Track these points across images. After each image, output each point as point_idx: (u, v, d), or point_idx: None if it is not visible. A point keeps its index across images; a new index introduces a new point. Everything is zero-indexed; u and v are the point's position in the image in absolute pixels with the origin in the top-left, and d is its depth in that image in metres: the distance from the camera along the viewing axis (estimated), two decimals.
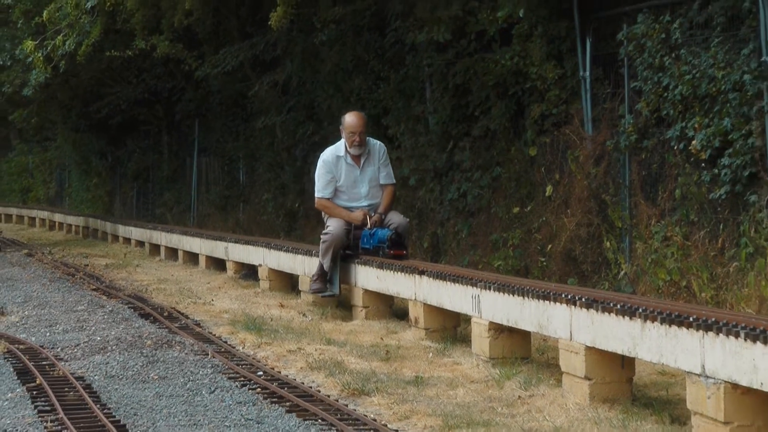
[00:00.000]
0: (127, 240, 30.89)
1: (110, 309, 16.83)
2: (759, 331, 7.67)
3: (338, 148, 15.46)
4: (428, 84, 19.97)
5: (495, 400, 10.18)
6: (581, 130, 16.09)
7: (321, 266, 15.31)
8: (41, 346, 13.38)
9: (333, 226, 15.16)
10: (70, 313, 16.54)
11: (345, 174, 15.34)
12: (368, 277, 15.29)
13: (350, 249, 15.32)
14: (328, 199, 15.36)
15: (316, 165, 15.71)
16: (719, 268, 13.10)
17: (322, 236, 15.30)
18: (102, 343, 13.45)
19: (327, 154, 15.48)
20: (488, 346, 11.79)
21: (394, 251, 14.32)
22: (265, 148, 27.70)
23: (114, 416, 9.58)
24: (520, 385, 10.68)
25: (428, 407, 9.88)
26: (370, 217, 15.07)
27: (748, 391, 7.90)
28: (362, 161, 15.36)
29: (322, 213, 15.74)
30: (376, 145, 15.61)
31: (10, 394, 10.73)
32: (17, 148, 53.60)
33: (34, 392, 10.74)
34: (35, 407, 10.10)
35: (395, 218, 15.06)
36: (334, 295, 15.47)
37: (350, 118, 15.36)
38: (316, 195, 15.48)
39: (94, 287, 20.13)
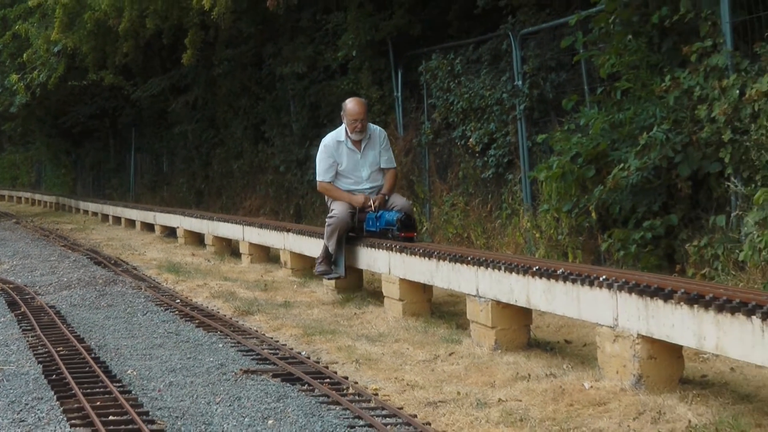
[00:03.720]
0: (86, 211, 30.35)
1: (74, 259, 16.59)
2: (513, 265, 7.77)
3: (339, 133, 11.18)
4: (292, 102, 19.90)
5: (339, 316, 10.20)
6: (396, 132, 16.15)
7: (326, 248, 11.13)
8: (25, 285, 13.18)
9: (338, 209, 10.99)
10: (46, 262, 16.29)
11: (346, 158, 11.06)
12: (252, 234, 15.25)
13: (354, 231, 11.17)
14: (329, 182, 11.11)
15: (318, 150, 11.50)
16: (489, 224, 13.24)
17: (327, 219, 11.15)
18: (68, 282, 13.27)
19: (328, 139, 11.26)
20: (334, 280, 11.82)
21: (405, 233, 10.31)
22: (180, 147, 27.47)
23: (76, 332, 9.47)
24: (355, 305, 10.73)
25: (293, 322, 9.89)
26: (373, 201, 10.93)
27: (507, 306, 7.99)
28: (363, 145, 11.05)
29: (326, 197, 11.52)
30: (377, 130, 11.27)
31: (2, 319, 10.55)
32: (8, 149, 52.65)
33: (20, 317, 10.58)
34: (20, 327, 9.95)
35: (398, 201, 10.99)
36: (340, 276, 11.18)
37: (352, 105, 11.03)
38: (318, 179, 11.31)
39: (62, 244, 19.82)
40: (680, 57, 9.72)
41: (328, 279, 11.36)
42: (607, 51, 10.42)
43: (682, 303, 5.97)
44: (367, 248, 10.78)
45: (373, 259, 10.62)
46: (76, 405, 6.56)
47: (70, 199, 34.18)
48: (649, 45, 10.14)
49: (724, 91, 8.96)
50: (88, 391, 6.91)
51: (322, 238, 11.99)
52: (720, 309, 5.66)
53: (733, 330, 5.57)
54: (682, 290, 6.02)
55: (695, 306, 5.86)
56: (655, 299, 6.20)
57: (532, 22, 13.00)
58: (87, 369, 7.70)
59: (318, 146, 11.91)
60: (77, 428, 6.05)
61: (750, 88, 8.63)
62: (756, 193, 8.15)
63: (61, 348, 8.59)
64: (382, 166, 11.10)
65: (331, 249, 11.00)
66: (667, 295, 6.10)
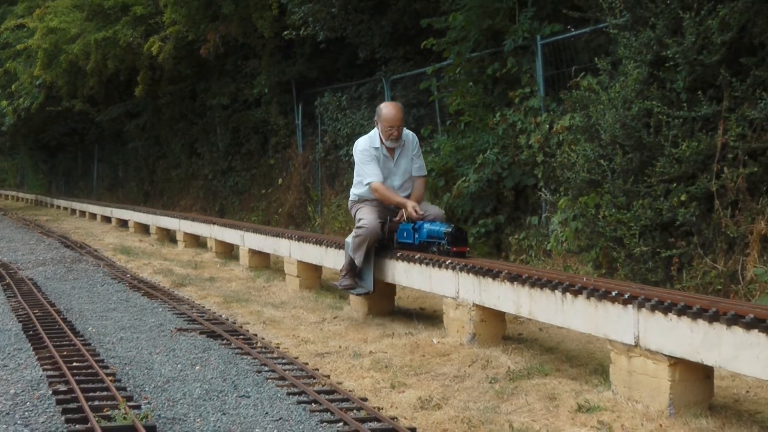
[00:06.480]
0: (59, 207, 29.60)
1: (48, 243, 16.14)
2: (382, 252, 7.78)
3: (372, 139, 7.61)
4: (218, 126, 19.65)
5: (251, 289, 10.11)
6: (296, 150, 16.10)
7: (351, 261, 7.64)
8: (9, 262, 12.76)
9: (367, 219, 7.49)
10: (26, 245, 15.81)
11: (380, 166, 7.59)
12: (186, 226, 15.03)
13: (382, 242, 7.64)
14: (381, 182, 7.52)
15: (354, 156, 7.80)
16: None
17: (355, 230, 7.58)
18: (43, 260, 12.90)
19: (363, 144, 7.64)
20: (248, 261, 11.70)
21: (457, 248, 6.86)
22: (132, 159, 26.98)
23: (49, 298, 9.21)
24: (264, 281, 10.65)
25: (216, 292, 9.77)
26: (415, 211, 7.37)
27: (377, 282, 7.99)
28: (397, 154, 7.60)
29: (349, 205, 7.93)
30: (410, 135, 7.69)
31: None
32: None
33: (5, 287, 10.23)
34: (5, 294, 9.61)
35: (431, 209, 7.56)
36: (369, 292, 7.67)
37: (387, 110, 7.54)
38: (369, 180, 7.52)
39: (40, 231, 19.25)
40: (507, 99, 9.90)
41: (356, 294, 7.88)
42: (454, 94, 10.55)
43: (505, 280, 6.07)
44: (273, 237, 10.71)
45: (278, 245, 10.55)
46: (47, 354, 6.39)
47: (46, 197, 33.42)
48: (484, 90, 10.30)
49: (538, 126, 9.15)
50: (58, 343, 6.74)
51: (239, 228, 11.81)
52: (533, 285, 5.77)
53: (542, 300, 5.69)
54: (506, 271, 6.12)
55: (515, 282, 5.96)
56: (486, 278, 6.29)
57: (400, 70, 13.12)
58: (57, 327, 7.50)
59: (238, 160, 11.03)
60: (48, 371, 5.90)
61: (556, 123, 8.83)
62: (560, 201, 8.33)
63: (36, 310, 8.34)
64: (414, 174, 7.75)
65: (357, 262, 7.63)
66: (495, 275, 6.19)
